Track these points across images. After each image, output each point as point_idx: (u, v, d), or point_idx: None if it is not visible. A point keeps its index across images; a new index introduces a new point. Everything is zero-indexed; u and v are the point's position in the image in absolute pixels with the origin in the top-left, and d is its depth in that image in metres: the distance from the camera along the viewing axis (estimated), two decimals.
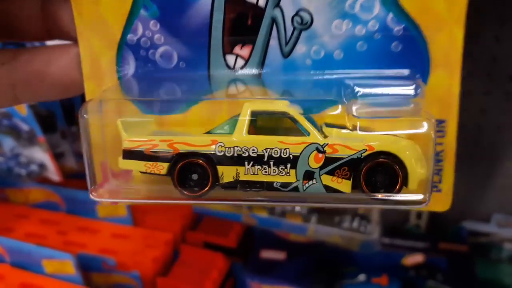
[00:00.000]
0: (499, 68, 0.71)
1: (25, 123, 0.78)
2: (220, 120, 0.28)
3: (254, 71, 0.28)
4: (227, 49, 0.28)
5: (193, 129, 0.28)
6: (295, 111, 0.26)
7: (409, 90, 0.25)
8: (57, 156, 0.83)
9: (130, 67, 0.30)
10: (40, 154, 0.81)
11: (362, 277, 0.77)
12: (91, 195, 0.28)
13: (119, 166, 0.28)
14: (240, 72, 0.28)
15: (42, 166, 0.83)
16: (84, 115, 0.27)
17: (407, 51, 0.26)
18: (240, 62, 0.28)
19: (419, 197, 0.25)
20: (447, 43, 0.26)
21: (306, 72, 0.27)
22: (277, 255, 0.84)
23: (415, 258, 0.78)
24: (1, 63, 0.30)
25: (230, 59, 0.28)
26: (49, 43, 0.33)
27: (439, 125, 0.27)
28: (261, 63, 0.28)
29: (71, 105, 0.80)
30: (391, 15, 0.26)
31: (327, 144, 0.25)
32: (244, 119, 0.26)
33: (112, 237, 0.86)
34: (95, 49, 0.29)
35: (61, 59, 0.30)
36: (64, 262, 0.77)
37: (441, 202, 0.29)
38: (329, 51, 0.27)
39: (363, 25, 0.26)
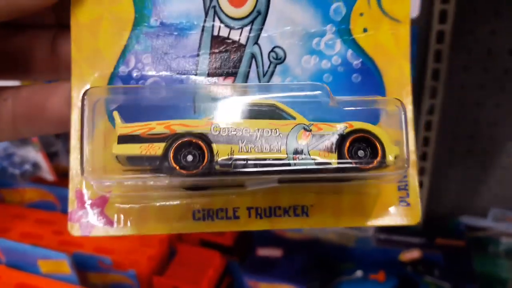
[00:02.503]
0: (494, 62, 0.71)
1: None
2: None
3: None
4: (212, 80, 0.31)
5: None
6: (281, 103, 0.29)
7: None
8: (51, 156, 0.83)
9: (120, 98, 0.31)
10: (33, 154, 0.81)
11: (359, 273, 0.77)
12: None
13: (113, 152, 0.29)
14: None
15: (35, 165, 0.83)
16: None
17: (365, 81, 0.31)
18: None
19: (400, 166, 0.28)
20: (397, 74, 0.31)
21: None
22: (274, 252, 0.84)
23: (412, 254, 0.78)
24: (4, 99, 0.31)
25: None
26: None
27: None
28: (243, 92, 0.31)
29: None
30: (350, 51, 0.30)
31: (312, 124, 0.28)
32: (238, 109, 0.29)
33: (108, 236, 0.86)
34: (86, 79, 0.30)
35: (58, 95, 0.31)
36: (60, 262, 0.77)
37: (411, 216, 0.30)
38: (301, 81, 0.31)
39: (328, 59, 0.31)
